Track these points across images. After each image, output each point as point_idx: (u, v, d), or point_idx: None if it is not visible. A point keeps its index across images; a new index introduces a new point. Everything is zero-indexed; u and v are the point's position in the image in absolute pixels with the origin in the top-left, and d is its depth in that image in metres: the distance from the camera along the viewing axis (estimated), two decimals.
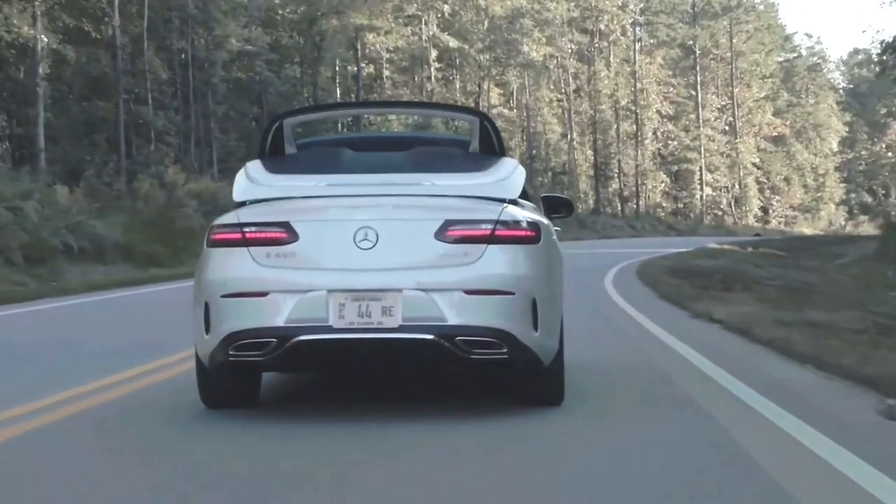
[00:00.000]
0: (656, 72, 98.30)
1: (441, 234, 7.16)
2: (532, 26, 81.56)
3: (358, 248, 7.11)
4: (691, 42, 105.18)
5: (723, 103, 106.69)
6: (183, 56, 53.02)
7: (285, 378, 9.24)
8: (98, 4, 47.27)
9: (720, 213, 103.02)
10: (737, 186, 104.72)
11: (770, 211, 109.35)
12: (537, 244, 7.43)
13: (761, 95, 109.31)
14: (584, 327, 13.21)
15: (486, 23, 79.49)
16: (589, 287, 22.30)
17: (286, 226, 7.21)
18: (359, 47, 68.45)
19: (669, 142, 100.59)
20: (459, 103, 67.43)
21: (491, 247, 7.19)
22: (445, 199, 7.60)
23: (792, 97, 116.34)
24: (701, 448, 6.38)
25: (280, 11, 62.91)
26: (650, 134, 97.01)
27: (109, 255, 34.66)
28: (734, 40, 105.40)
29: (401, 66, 76.63)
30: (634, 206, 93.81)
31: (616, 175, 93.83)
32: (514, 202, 7.82)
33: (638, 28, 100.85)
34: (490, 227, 7.23)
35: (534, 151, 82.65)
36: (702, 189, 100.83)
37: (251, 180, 7.98)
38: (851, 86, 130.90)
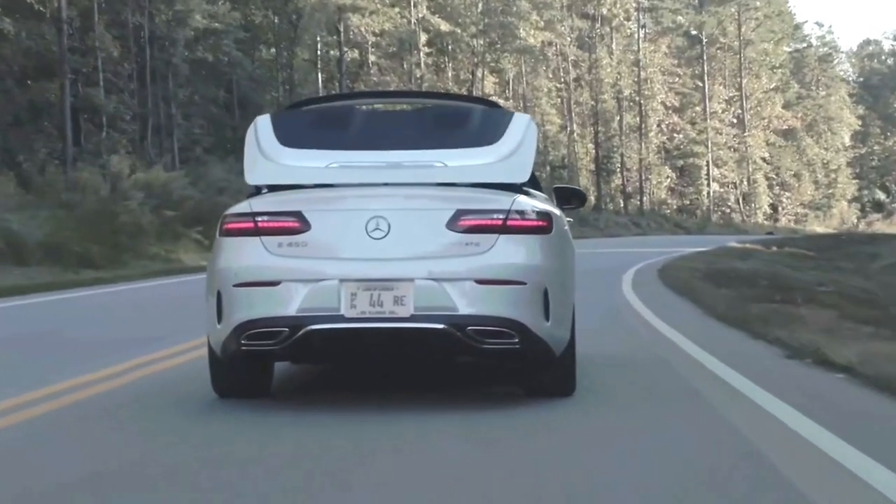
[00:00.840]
0: (661, 60, 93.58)
1: (453, 223, 7.23)
2: (529, 9, 77.36)
3: (370, 238, 7.18)
4: (696, 32, 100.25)
5: (730, 95, 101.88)
6: (140, 33, 47.60)
7: (296, 367, 9.20)
8: None
9: (728, 210, 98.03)
10: (745, 182, 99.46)
11: (779, 208, 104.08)
12: (549, 234, 7.46)
13: (770, 87, 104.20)
14: (618, 390, 8.29)
15: (479, 5, 75.49)
16: (607, 301, 17.24)
17: (298, 215, 7.29)
18: (342, 29, 63.23)
19: (675, 135, 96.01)
20: (452, 92, 62.20)
21: (503, 237, 7.24)
22: (457, 189, 7.63)
23: (802, 89, 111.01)
24: None
25: None
26: (655, 126, 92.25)
27: (31, 255, 29.86)
28: (742, 28, 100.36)
29: (388, 52, 71.41)
30: (638, 202, 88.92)
31: (618, 170, 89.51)
32: (525, 192, 7.89)
33: (642, 14, 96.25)
34: (502, 216, 7.28)
35: None
36: (709, 185, 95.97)
37: (264, 156, 7.96)
38: (861, 79, 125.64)
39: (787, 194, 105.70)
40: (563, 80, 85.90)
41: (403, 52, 71.85)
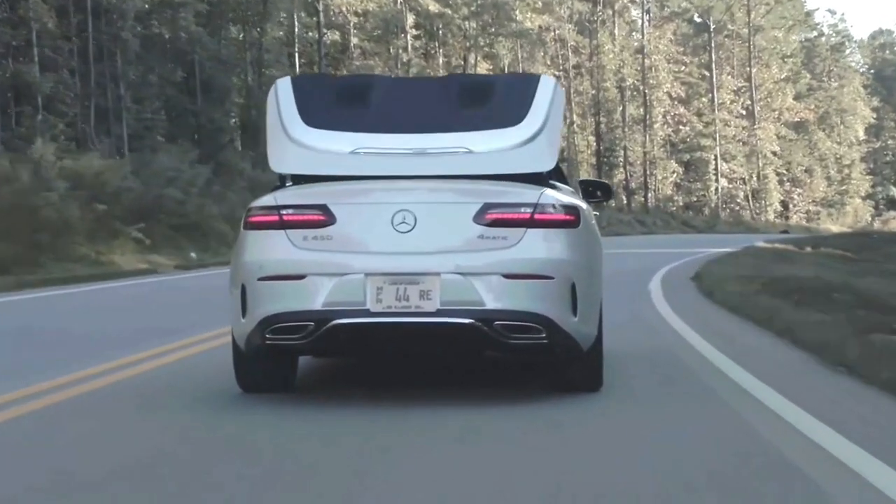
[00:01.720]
0: (666, 48, 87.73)
1: (480, 217, 7.20)
2: None
3: (396, 231, 7.16)
4: (703, 18, 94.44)
5: (739, 85, 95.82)
6: (83, 3, 41.67)
7: (319, 361, 9.25)
8: None
9: (737, 207, 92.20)
10: (755, 178, 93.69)
11: (790, 206, 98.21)
12: (577, 228, 7.43)
13: (781, 77, 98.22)
14: None
15: None
16: (642, 330, 12.19)
17: (324, 208, 7.29)
18: (321, 9, 57.58)
19: (681, 127, 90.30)
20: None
21: (530, 230, 7.19)
22: (484, 181, 7.58)
23: (813, 80, 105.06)
24: None
25: None
26: (660, 117, 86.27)
27: None
28: (752, 14, 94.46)
29: (372, 34, 65.72)
30: (643, 199, 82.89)
31: (621, 163, 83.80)
32: (552, 185, 7.89)
33: None
34: (530, 210, 7.24)
35: None
36: (717, 180, 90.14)
37: (289, 138, 7.91)
38: (872, 71, 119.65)
39: (799, 191, 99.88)
40: (562, 67, 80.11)
41: (389, 34, 66.28)
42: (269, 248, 7.26)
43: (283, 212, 7.27)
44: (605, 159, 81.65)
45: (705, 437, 6.21)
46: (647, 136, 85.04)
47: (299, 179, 7.98)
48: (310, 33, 60.79)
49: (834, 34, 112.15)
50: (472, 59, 70.30)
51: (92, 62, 41.52)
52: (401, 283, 7.04)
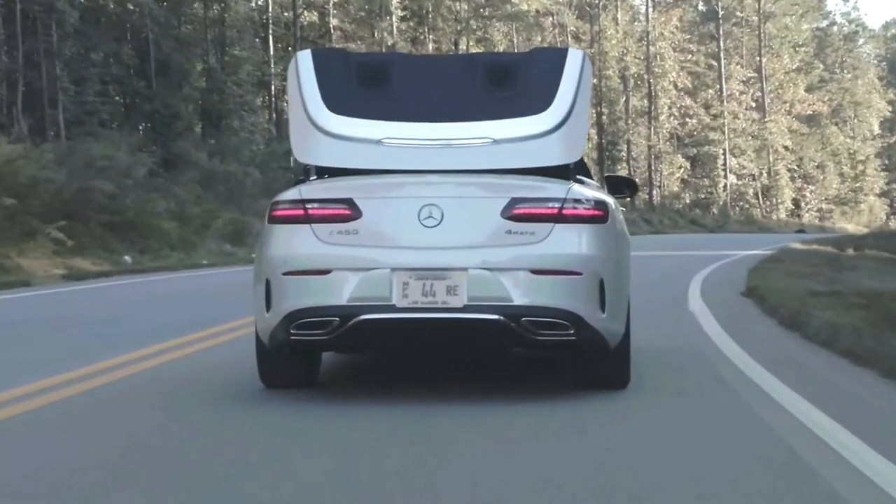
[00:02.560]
0: (672, 34, 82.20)
1: (507, 212, 7.13)
2: None
3: (422, 226, 7.11)
4: (710, 4, 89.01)
5: (749, 76, 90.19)
6: None
7: (343, 356, 9.14)
8: None
9: (747, 205, 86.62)
10: (765, 174, 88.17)
11: (802, 203, 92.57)
12: (605, 224, 7.34)
13: (793, 67, 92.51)
14: None
15: None
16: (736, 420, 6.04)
17: (349, 202, 7.23)
18: None
19: (687, 120, 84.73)
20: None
21: (558, 226, 7.14)
22: (512, 176, 7.56)
23: (825, 71, 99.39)
24: None
25: None
26: (665, 109, 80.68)
27: None
28: (763, 0, 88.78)
29: (355, 16, 60.33)
30: (647, 196, 77.18)
31: (625, 158, 77.97)
32: (579, 180, 7.90)
33: None
34: (558, 205, 7.17)
35: None
36: (726, 177, 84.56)
37: (314, 125, 7.78)
38: (884, 63, 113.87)
39: (811, 188, 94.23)
40: None
41: (373, 16, 60.82)
42: (294, 243, 7.23)
43: (309, 206, 7.26)
44: (608, 153, 75.98)
45: None
46: (652, 129, 79.65)
47: (323, 171, 7.91)
48: (286, 13, 55.62)
49: (847, 23, 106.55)
50: (463, 44, 64.96)
51: (20, 35, 36.06)
52: (427, 278, 7.00)
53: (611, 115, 77.14)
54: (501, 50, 68.83)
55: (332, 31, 58.07)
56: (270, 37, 53.29)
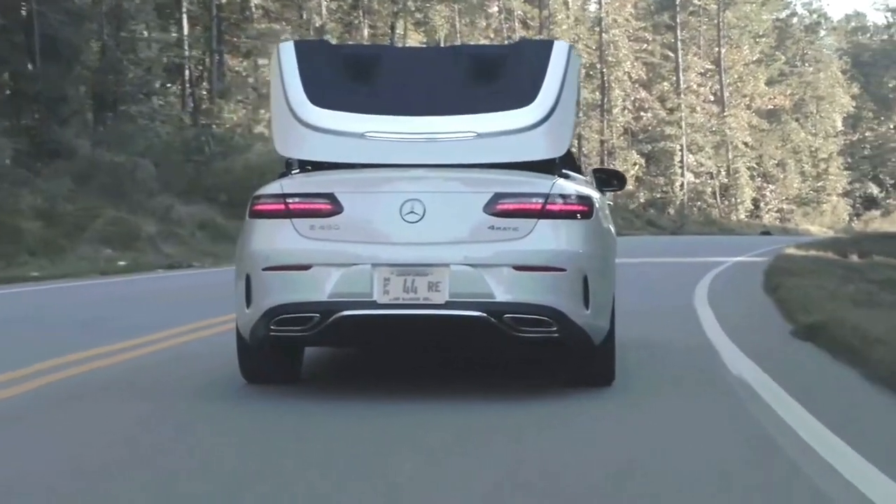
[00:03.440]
0: (627, 21, 78.26)
1: (490, 207, 7.12)
2: None
3: (404, 221, 7.10)
4: None
5: (707, 67, 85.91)
6: None
7: (325, 351, 9.10)
8: None
9: (705, 205, 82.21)
10: (724, 172, 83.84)
11: (762, 203, 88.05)
12: (590, 219, 7.34)
13: (753, 59, 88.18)
14: None
15: None
16: None
17: (331, 197, 7.21)
18: None
19: (642, 114, 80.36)
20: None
21: (542, 221, 7.12)
22: (495, 171, 7.57)
23: (786, 64, 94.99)
24: None
25: None
26: (619, 102, 76.46)
27: None
28: None
29: None
30: None
31: (576, 153, 72.29)
32: (564, 174, 7.80)
33: None
34: (541, 200, 7.16)
35: None
36: (683, 175, 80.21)
37: (296, 118, 7.77)
38: (847, 58, 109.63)
39: (771, 187, 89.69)
40: (507, 39, 69.26)
41: None
42: (274, 238, 7.21)
43: (290, 200, 7.24)
44: None
45: None
46: (605, 123, 75.47)
47: (305, 164, 7.92)
48: None
49: (808, 13, 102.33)
50: (400, 28, 59.96)
51: None
52: (409, 274, 6.99)
53: None
54: (443, 35, 64.24)
55: (252, 10, 52.82)
56: (184, 16, 47.88)
